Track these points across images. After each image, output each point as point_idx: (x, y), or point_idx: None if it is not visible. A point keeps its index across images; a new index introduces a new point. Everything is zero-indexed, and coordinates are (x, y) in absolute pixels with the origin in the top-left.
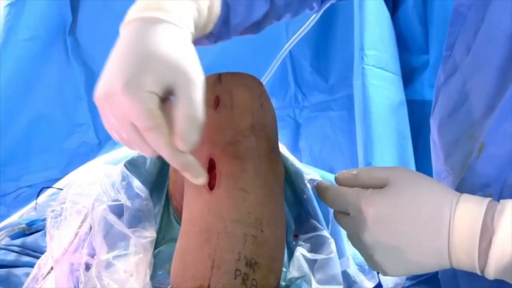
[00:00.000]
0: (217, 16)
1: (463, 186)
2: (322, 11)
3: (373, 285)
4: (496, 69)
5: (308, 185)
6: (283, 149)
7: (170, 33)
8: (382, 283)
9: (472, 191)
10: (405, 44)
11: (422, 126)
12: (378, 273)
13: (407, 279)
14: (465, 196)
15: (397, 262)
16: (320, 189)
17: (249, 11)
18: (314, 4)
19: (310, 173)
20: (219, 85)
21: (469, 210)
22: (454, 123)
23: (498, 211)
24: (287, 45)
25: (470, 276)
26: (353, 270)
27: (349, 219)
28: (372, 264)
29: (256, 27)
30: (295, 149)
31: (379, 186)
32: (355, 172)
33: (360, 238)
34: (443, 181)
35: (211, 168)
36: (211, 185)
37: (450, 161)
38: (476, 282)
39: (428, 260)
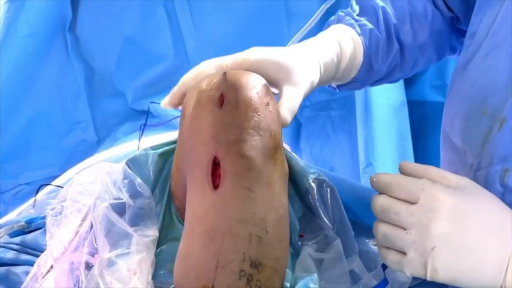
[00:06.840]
0: (359, 64)
1: (483, 159)
2: None
3: (377, 282)
4: None
5: (313, 185)
6: (286, 148)
7: None
8: (388, 280)
9: (491, 164)
10: None
11: (422, 127)
12: (384, 270)
13: (414, 278)
14: None
15: (456, 260)
16: (382, 176)
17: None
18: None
19: (316, 172)
20: (224, 83)
21: None
22: (467, 101)
23: None
24: (288, 44)
25: None
26: (358, 267)
27: (414, 208)
28: (416, 261)
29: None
30: (296, 149)
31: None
32: (424, 166)
33: (425, 226)
34: (459, 165)
35: (215, 167)
36: (215, 184)
37: (467, 139)
38: None
39: (485, 271)
